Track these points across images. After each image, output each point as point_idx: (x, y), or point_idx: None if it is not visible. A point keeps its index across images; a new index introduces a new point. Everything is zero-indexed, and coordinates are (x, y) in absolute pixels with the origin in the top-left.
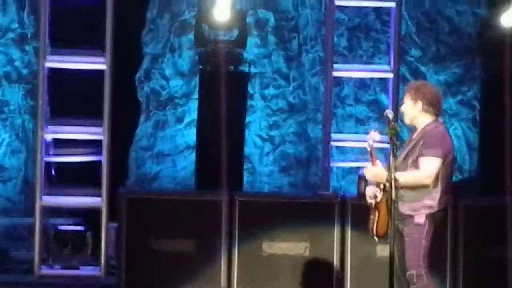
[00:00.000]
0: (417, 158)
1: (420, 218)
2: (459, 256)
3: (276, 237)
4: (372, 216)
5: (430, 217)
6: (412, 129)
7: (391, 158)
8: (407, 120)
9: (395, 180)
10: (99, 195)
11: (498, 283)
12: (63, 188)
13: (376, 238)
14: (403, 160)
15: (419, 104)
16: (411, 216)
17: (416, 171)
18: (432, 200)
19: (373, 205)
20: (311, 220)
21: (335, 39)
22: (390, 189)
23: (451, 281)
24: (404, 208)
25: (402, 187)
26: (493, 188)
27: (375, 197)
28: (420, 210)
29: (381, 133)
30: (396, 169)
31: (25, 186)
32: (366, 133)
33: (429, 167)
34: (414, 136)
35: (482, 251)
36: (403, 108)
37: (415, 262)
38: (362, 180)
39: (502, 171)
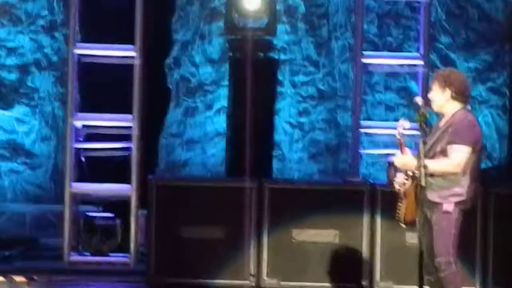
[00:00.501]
0: (445, 145)
1: (449, 206)
2: (489, 244)
3: (306, 224)
4: (400, 203)
5: (459, 205)
6: (439, 116)
7: (421, 145)
8: (435, 108)
9: (425, 167)
10: (129, 183)
11: None
12: (93, 175)
13: (403, 225)
14: (430, 147)
15: (448, 91)
16: (440, 204)
17: (446, 159)
18: (461, 188)
19: (401, 192)
20: (341, 207)
21: (365, 26)
22: (419, 176)
23: (481, 269)
24: (433, 195)
25: (431, 175)
26: None
27: (404, 184)
28: (449, 198)
29: (410, 120)
30: (425, 156)
31: (55, 173)
32: (396, 120)
33: (458, 155)
34: (442, 124)
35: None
36: (431, 95)
37: (444, 249)
38: (392, 167)
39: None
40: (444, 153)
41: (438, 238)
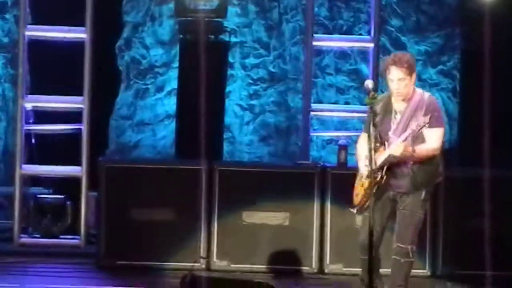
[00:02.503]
0: (416, 129)
1: (426, 194)
2: (439, 228)
3: (256, 206)
4: (360, 191)
5: (432, 190)
6: (385, 99)
7: (371, 127)
8: (404, 96)
9: (414, 151)
10: (79, 164)
11: (476, 255)
12: (43, 157)
13: (355, 210)
14: (402, 131)
15: (413, 76)
16: (419, 191)
17: (426, 143)
18: (441, 168)
19: (363, 179)
20: (291, 190)
21: (316, 9)
22: (370, 159)
23: (431, 251)
24: (410, 182)
25: (412, 161)
26: (472, 159)
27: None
28: (430, 182)
29: (361, 103)
30: (388, 140)
31: (5, 155)
32: (346, 102)
33: (438, 138)
34: (402, 108)
35: (461, 222)
36: (398, 85)
37: (415, 238)
38: (343, 149)
39: (481, 142)
40: (419, 137)
41: (411, 225)
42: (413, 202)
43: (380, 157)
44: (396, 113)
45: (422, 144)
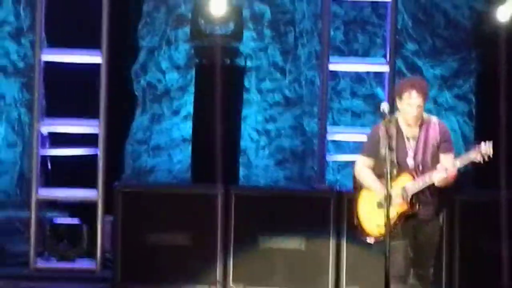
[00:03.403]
0: (434, 156)
1: (443, 219)
2: (455, 251)
3: (272, 231)
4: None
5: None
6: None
7: (387, 151)
8: (418, 122)
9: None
10: (95, 189)
11: (493, 278)
12: (59, 181)
13: (372, 240)
14: (422, 158)
15: (425, 101)
16: (437, 216)
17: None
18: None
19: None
20: (307, 214)
21: (331, 33)
22: (386, 183)
23: (447, 276)
24: (431, 209)
25: (434, 188)
26: (488, 183)
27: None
28: (443, 208)
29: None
30: (407, 167)
31: (21, 179)
32: (363, 126)
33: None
34: (413, 133)
35: (477, 245)
36: (416, 110)
37: (432, 261)
38: None
39: (497, 165)
40: (436, 162)
41: (431, 252)
42: (433, 229)
43: (414, 185)
44: (408, 139)
45: (443, 168)
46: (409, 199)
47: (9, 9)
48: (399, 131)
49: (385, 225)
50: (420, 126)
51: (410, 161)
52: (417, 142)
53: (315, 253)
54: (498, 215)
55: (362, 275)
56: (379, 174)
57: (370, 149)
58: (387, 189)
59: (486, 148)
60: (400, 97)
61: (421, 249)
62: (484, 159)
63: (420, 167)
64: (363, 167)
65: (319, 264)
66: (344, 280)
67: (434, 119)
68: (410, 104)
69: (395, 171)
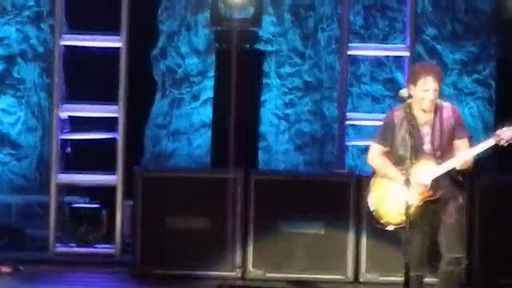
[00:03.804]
0: (450, 141)
1: (463, 198)
2: (475, 236)
3: (292, 215)
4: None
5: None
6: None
7: (407, 136)
8: (433, 107)
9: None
10: (115, 173)
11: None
12: (79, 166)
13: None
14: (439, 143)
15: (441, 86)
16: (456, 196)
17: (467, 151)
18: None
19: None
20: (327, 199)
21: (351, 18)
22: (408, 167)
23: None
24: (448, 189)
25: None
26: (509, 166)
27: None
28: (462, 188)
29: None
30: (424, 152)
31: (40, 164)
32: (382, 111)
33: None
34: (427, 119)
35: (497, 230)
36: (431, 94)
37: (464, 244)
38: None
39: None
40: (452, 147)
41: (461, 233)
42: (455, 210)
43: (434, 170)
44: (423, 125)
45: (465, 153)
46: (430, 184)
47: None
48: (413, 117)
49: (406, 210)
50: (434, 112)
51: (427, 147)
52: (432, 128)
53: (334, 238)
54: None
55: (382, 260)
56: (395, 161)
57: (384, 136)
58: (408, 174)
59: (508, 133)
60: (415, 84)
61: (450, 232)
62: (506, 143)
63: (438, 153)
64: (377, 154)
65: (339, 249)
66: (364, 265)
67: (446, 104)
68: (427, 90)
69: (413, 157)
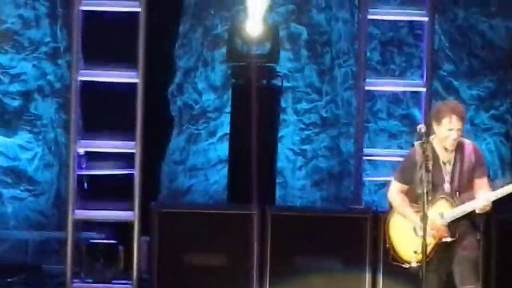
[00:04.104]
0: (469, 179)
1: (480, 234)
2: (492, 271)
3: (309, 251)
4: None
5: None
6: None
7: (424, 172)
8: (455, 145)
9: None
10: (132, 209)
11: None
12: (96, 201)
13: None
14: (457, 182)
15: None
16: (472, 232)
17: (486, 193)
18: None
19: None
20: (344, 235)
21: (368, 53)
22: (423, 204)
23: None
24: (466, 226)
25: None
26: None
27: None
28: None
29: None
30: (443, 191)
31: (57, 200)
32: (399, 147)
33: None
34: (448, 157)
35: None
36: (459, 136)
37: (478, 276)
38: None
39: None
40: (472, 186)
41: (476, 265)
42: (471, 243)
43: (451, 211)
44: (444, 163)
45: (486, 196)
46: (447, 226)
47: (45, 30)
48: (435, 155)
49: (422, 249)
50: (455, 150)
51: (447, 186)
52: (453, 167)
53: (351, 274)
54: None
55: None
56: (413, 198)
57: (404, 174)
58: (424, 210)
59: None
60: (439, 122)
61: (464, 263)
62: None
63: (457, 193)
64: (396, 191)
65: (356, 283)
66: None
67: (467, 141)
68: (451, 128)
69: (431, 196)
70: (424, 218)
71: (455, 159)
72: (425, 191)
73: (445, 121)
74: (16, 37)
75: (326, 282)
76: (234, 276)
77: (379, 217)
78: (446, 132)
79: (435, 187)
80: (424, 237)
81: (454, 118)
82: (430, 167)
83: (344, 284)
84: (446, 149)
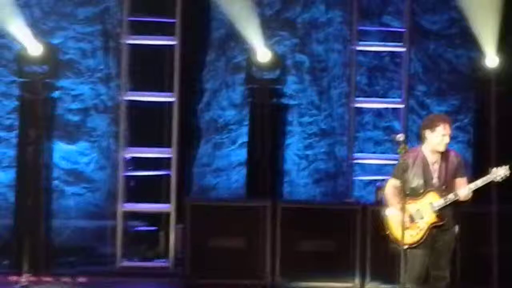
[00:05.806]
0: (453, 178)
1: (457, 228)
2: (457, 254)
3: (310, 236)
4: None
5: None
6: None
7: (401, 173)
8: (445, 148)
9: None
10: (169, 203)
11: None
12: (140, 197)
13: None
14: (443, 180)
15: None
16: (453, 226)
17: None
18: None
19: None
20: (339, 223)
21: (357, 78)
22: (404, 202)
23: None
24: (449, 220)
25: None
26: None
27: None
28: (457, 220)
29: (394, 152)
30: (433, 186)
31: (109, 195)
32: (382, 153)
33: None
34: (434, 159)
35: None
36: (448, 139)
37: (449, 264)
38: (379, 190)
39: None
40: (453, 184)
41: (449, 255)
42: (450, 237)
43: (441, 200)
44: (432, 163)
45: (467, 187)
46: (437, 213)
47: (100, 59)
48: (424, 157)
49: (402, 232)
50: (441, 153)
51: (435, 181)
52: (440, 166)
53: (345, 253)
54: (490, 225)
55: (383, 270)
56: (408, 192)
57: (398, 173)
58: (402, 206)
59: (502, 171)
60: (433, 129)
61: (439, 254)
62: (501, 179)
63: (444, 187)
64: (390, 186)
65: (349, 262)
66: (369, 274)
67: (450, 149)
68: (444, 134)
69: (422, 190)
70: (402, 209)
71: (441, 159)
72: (404, 188)
73: (439, 128)
74: (76, 65)
75: (324, 260)
76: (252, 256)
77: (367, 209)
78: (440, 137)
79: (426, 182)
80: (403, 226)
81: (447, 126)
82: (408, 169)
83: (339, 261)
84: (433, 152)
